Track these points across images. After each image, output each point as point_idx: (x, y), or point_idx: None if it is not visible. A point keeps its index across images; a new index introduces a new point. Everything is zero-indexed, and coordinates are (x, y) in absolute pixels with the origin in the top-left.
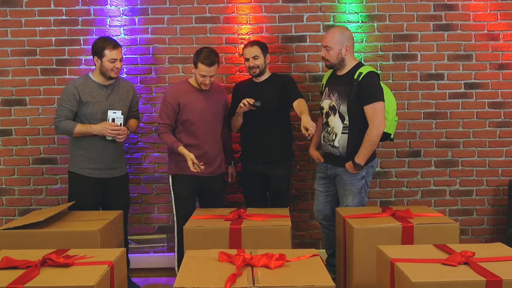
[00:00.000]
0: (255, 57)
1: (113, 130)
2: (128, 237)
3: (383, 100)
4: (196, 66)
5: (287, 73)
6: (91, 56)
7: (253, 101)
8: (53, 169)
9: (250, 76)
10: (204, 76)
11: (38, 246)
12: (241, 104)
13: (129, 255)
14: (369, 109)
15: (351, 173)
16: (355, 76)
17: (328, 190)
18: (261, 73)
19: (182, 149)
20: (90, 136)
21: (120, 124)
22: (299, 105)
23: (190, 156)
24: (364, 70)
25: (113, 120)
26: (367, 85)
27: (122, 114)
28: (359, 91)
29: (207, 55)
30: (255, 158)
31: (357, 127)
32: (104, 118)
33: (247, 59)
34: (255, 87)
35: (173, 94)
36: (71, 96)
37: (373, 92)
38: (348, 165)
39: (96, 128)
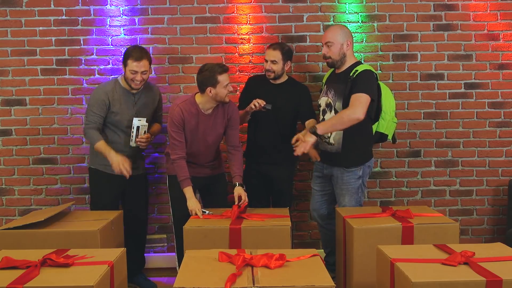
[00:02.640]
0: (273, 62)
1: (142, 143)
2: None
3: (371, 97)
4: (216, 82)
5: (304, 84)
6: (92, 56)
7: (265, 103)
8: (53, 169)
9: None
10: (228, 84)
11: (38, 246)
12: (252, 105)
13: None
14: (353, 97)
15: (347, 172)
16: (351, 74)
17: (324, 190)
18: (276, 78)
19: (188, 192)
20: (115, 139)
21: (144, 132)
22: (309, 122)
23: (195, 207)
24: (360, 68)
25: (138, 128)
26: (358, 78)
27: (146, 122)
28: (352, 86)
29: (220, 64)
30: (258, 159)
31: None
32: (129, 125)
33: (266, 61)
34: (270, 89)
35: (179, 114)
36: (101, 103)
37: (362, 84)
38: (306, 134)
39: (113, 159)
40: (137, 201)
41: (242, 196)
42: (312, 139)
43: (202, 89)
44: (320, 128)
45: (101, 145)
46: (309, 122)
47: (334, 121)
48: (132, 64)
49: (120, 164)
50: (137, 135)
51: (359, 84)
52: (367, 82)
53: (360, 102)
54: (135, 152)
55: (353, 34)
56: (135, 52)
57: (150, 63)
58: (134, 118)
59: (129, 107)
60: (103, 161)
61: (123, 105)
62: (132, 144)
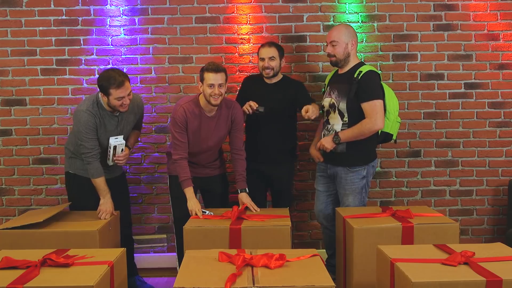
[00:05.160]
0: (271, 58)
1: (120, 161)
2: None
3: (382, 99)
4: (203, 78)
5: (298, 80)
6: (92, 56)
7: (257, 105)
8: (53, 169)
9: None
10: (213, 85)
11: (37, 246)
12: (245, 109)
13: None
14: (367, 106)
15: (351, 172)
16: (355, 75)
17: (329, 190)
18: (274, 75)
19: (189, 192)
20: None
21: (122, 150)
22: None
23: (195, 207)
24: (364, 69)
25: (115, 147)
26: (365, 83)
27: (124, 138)
28: (358, 89)
29: (212, 63)
30: (258, 158)
31: (356, 123)
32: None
33: (262, 59)
34: (266, 88)
35: (182, 115)
36: (92, 127)
37: (372, 90)
38: (328, 138)
39: (107, 203)
40: (120, 203)
41: (247, 205)
42: (328, 141)
43: (198, 84)
44: (344, 136)
45: (101, 182)
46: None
47: (356, 133)
48: (117, 92)
49: (108, 212)
50: (114, 154)
51: (369, 90)
52: (375, 86)
53: (376, 112)
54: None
55: None
56: (114, 79)
57: (129, 81)
58: (111, 138)
59: (112, 129)
60: (83, 165)
61: (107, 129)
62: (110, 163)
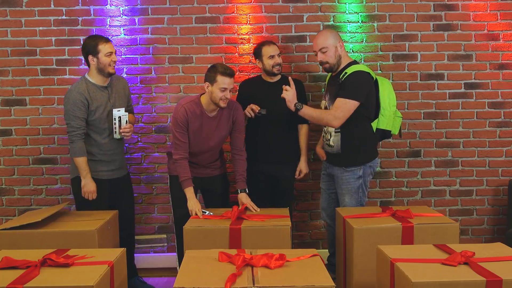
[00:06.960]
0: (279, 55)
1: (126, 133)
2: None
3: (358, 100)
4: (214, 80)
5: (298, 79)
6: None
7: (259, 108)
8: (53, 169)
9: (257, 75)
10: (225, 89)
11: (36, 246)
12: (246, 112)
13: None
14: (338, 101)
15: (346, 172)
16: (340, 76)
17: (330, 188)
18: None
19: (189, 192)
20: (99, 139)
21: (126, 121)
22: (301, 137)
23: (195, 207)
24: (350, 70)
25: (120, 118)
26: (346, 83)
27: (125, 111)
28: (339, 89)
29: (225, 66)
30: (261, 159)
31: (349, 125)
32: (110, 119)
33: (272, 56)
34: (266, 89)
35: (183, 115)
36: (81, 105)
37: (349, 89)
38: (294, 97)
39: (89, 185)
40: (125, 203)
41: (247, 205)
42: (291, 101)
43: (205, 84)
44: (303, 111)
45: (83, 162)
46: (301, 131)
47: (315, 115)
48: (106, 47)
49: (91, 193)
50: (119, 126)
51: (345, 89)
52: (354, 86)
53: (342, 110)
54: (120, 150)
55: (353, 34)
56: (99, 37)
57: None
58: (114, 110)
59: (105, 101)
60: (95, 166)
61: (100, 102)
62: (117, 136)
